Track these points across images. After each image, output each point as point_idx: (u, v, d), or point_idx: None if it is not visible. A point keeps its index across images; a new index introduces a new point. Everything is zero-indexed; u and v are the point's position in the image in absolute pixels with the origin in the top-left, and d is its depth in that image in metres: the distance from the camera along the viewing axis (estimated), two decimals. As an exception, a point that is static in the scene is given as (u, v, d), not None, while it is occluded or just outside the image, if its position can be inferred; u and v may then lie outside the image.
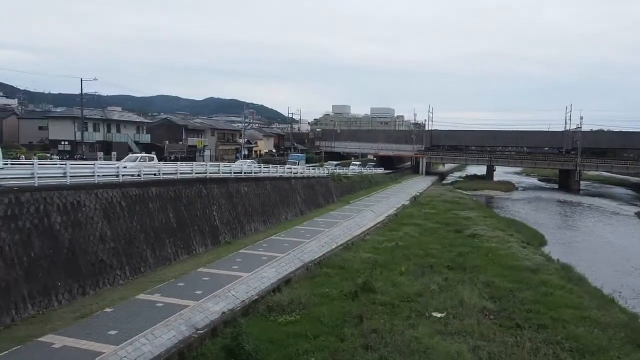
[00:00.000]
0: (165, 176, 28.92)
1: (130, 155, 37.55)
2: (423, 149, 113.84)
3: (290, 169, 49.76)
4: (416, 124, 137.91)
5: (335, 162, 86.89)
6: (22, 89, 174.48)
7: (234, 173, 36.24)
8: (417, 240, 35.21)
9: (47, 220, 19.19)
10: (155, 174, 28.51)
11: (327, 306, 19.98)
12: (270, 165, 46.88)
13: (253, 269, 23.80)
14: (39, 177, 20.28)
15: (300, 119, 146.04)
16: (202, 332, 16.81)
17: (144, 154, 37.72)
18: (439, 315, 19.34)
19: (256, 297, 20.56)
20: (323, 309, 19.47)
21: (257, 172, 40.26)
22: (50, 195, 19.73)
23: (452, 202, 60.98)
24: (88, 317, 16.98)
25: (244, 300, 20.03)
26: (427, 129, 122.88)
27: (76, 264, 19.74)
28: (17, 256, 17.39)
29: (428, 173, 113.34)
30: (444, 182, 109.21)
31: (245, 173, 38.16)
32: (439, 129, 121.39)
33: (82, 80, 62.63)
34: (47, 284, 18.15)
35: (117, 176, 25.00)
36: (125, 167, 27.14)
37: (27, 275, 17.51)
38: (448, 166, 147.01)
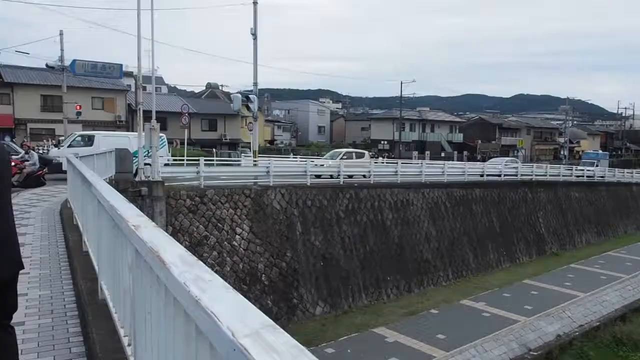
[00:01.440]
0: (488, 177, 27.65)
1: (334, 151, 29.60)
2: None
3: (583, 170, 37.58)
4: None
5: None
6: (344, 94, 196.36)
7: (486, 175, 27.60)
8: None
9: (380, 216, 20.04)
10: (481, 175, 27.35)
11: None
12: (534, 165, 35.18)
13: (590, 288, 20.60)
14: (374, 175, 21.35)
15: (634, 114, 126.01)
16: (535, 353, 15.02)
17: (349, 149, 30.68)
18: None
19: (597, 324, 17.62)
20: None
21: (511, 173, 29.47)
22: (383, 193, 20.56)
23: None
24: (415, 315, 16.94)
25: (582, 325, 17.36)
26: None
27: (403, 260, 20.13)
28: (355, 248, 18.55)
29: None
30: None
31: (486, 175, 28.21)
32: None
33: (401, 83, 66.17)
34: (379, 277, 18.89)
35: (442, 175, 24.82)
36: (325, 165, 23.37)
37: (363, 266, 18.51)
38: None
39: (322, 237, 17.54)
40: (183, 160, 22.80)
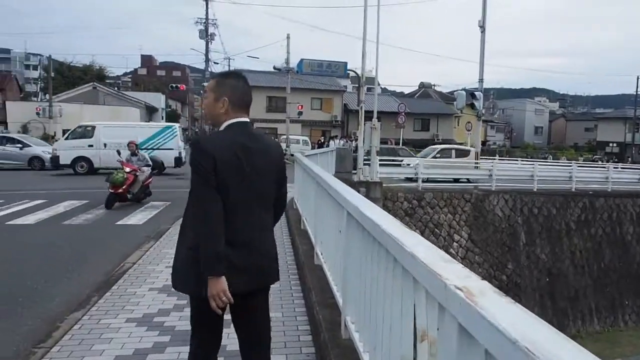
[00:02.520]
0: None
1: (430, 147, 23.67)
2: None
3: None
4: None
5: None
6: (560, 92, 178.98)
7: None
8: None
9: (618, 229, 17.49)
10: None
11: None
12: None
13: None
14: (612, 182, 18.63)
15: None
16: None
17: (448, 146, 24.06)
18: None
19: None
20: None
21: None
22: (624, 203, 17.89)
23: None
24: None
25: None
26: None
27: (646, 283, 17.28)
28: (586, 264, 16.46)
29: None
30: None
31: None
32: None
33: (638, 78, 57.87)
34: (614, 300, 16.49)
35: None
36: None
37: (595, 286, 16.33)
38: None
39: (549, 250, 15.88)
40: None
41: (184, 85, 40.54)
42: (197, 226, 2.33)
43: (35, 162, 21.28)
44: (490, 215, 15.42)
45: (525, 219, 15.81)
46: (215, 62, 43.58)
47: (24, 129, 40.75)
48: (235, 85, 2.50)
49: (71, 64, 65.57)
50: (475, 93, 17.33)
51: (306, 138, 38.10)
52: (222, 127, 2.47)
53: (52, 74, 52.11)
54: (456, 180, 17.73)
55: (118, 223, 9.47)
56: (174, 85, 38.38)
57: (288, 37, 33.41)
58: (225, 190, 2.33)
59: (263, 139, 2.61)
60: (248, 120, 2.52)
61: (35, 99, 62.20)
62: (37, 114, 42.54)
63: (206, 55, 37.80)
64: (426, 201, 14.77)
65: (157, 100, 57.58)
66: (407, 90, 69.43)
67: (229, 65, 50.76)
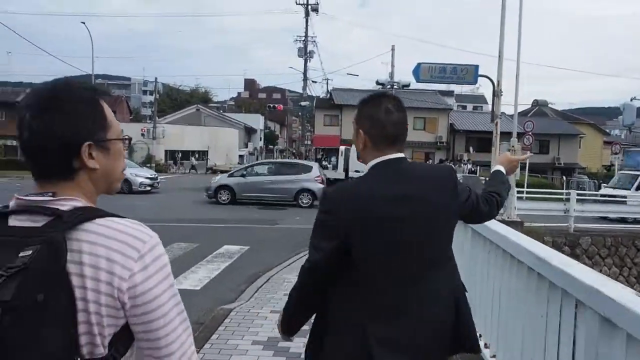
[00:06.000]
0: None
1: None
2: None
3: None
4: None
5: None
6: None
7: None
8: None
9: None
10: None
11: None
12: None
13: None
14: None
15: None
16: None
17: None
18: None
19: None
20: None
21: None
22: None
23: None
24: None
25: None
26: None
27: None
28: None
29: None
30: None
31: None
32: None
33: None
34: None
35: None
36: None
37: None
38: None
39: None
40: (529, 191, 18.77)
41: (281, 106, 39.37)
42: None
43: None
44: (671, 269, 11.49)
45: None
46: (313, 81, 41.98)
47: (130, 150, 41.62)
48: (374, 113, 1.82)
49: (180, 87, 67.73)
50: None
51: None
52: (366, 168, 1.85)
53: (158, 97, 53.75)
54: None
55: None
56: (271, 105, 37.16)
57: (393, 49, 30.68)
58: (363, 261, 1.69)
59: (417, 177, 1.79)
60: (401, 156, 1.78)
61: (149, 121, 65.20)
62: (142, 134, 43.48)
63: (304, 73, 36.13)
64: (582, 248, 11.21)
65: (256, 121, 57.49)
66: (510, 110, 63.97)
67: (327, 85, 49.05)
